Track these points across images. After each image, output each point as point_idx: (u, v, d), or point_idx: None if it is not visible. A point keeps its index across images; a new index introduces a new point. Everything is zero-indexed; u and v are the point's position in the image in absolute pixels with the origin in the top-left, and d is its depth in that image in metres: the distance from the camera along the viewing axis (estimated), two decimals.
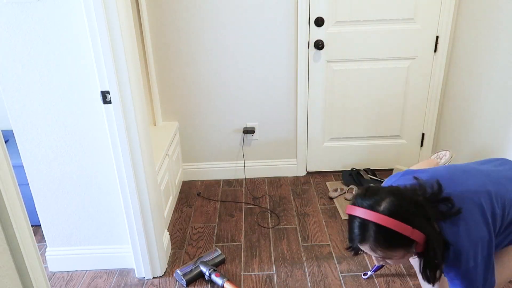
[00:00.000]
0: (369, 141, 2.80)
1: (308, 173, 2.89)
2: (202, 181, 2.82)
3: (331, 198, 2.57)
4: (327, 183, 2.74)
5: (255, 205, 2.52)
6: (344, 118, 2.72)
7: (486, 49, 2.19)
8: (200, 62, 2.53)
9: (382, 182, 2.59)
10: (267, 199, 2.58)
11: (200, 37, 2.47)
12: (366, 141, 2.80)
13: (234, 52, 2.51)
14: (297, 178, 2.84)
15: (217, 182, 2.81)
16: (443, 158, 2.12)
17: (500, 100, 2.09)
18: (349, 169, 2.80)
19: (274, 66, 2.56)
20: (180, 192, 2.70)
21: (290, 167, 2.84)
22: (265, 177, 2.85)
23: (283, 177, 2.86)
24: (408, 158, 2.86)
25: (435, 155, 2.20)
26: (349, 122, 2.73)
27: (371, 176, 2.70)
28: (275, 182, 2.79)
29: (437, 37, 2.50)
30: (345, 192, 2.61)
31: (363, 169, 2.77)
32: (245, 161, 2.81)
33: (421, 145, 2.82)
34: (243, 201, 2.56)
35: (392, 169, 2.85)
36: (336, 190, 2.62)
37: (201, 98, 2.63)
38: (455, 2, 2.41)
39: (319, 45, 2.47)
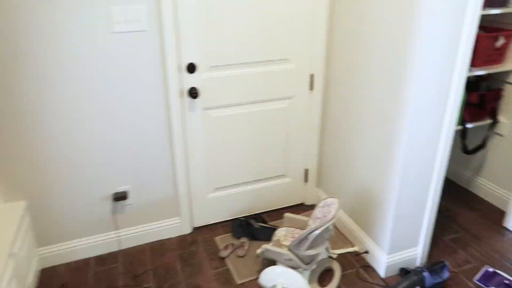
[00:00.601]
0: (256, 184, 2.63)
1: (195, 229, 2.60)
2: (68, 264, 2.32)
3: (223, 258, 2.33)
4: (217, 238, 2.50)
5: (136, 286, 2.14)
6: (228, 165, 2.50)
7: (358, 84, 2.18)
8: (49, 125, 2.04)
9: (275, 230, 2.45)
10: (151, 275, 2.22)
11: (47, 94, 1.98)
12: (252, 185, 2.62)
13: (93, 108, 2.08)
14: (183, 238, 2.53)
15: (86, 262, 2.33)
16: (332, 210, 2.03)
17: (374, 132, 2.09)
18: (238, 218, 2.60)
19: (144, 121, 2.20)
20: None
21: (174, 227, 2.52)
22: (146, 244, 2.48)
23: (167, 239, 2.52)
24: (295, 196, 2.77)
25: (323, 202, 2.12)
26: (233, 169, 2.52)
27: (262, 224, 2.53)
28: (158, 248, 2.44)
29: (312, 75, 2.44)
30: (236, 248, 2.39)
31: (253, 217, 2.60)
32: (119, 230, 2.40)
33: (305, 180, 2.76)
34: (121, 284, 2.16)
35: (281, 209, 2.74)
36: (227, 248, 2.38)
37: (56, 168, 2.13)
38: (326, 42, 2.37)
39: (193, 93, 2.19)
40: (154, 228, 2.48)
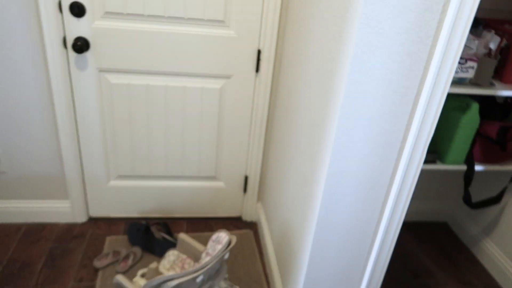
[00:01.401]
0: (174, 182, 2.04)
1: (91, 219, 2.09)
2: None
3: (97, 269, 1.81)
4: (108, 239, 1.97)
5: None
6: (135, 149, 1.92)
7: (298, 86, 1.47)
8: None
9: (175, 244, 1.88)
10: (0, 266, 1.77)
11: None
12: (168, 181, 2.04)
13: None
14: (71, 226, 2.03)
15: None
16: (216, 250, 1.42)
17: (304, 151, 1.40)
18: (139, 220, 2.04)
19: (12, 76, 1.67)
20: None
21: (62, 211, 2.03)
22: (24, 223, 2.02)
23: (53, 223, 2.04)
24: (229, 206, 2.15)
25: (215, 235, 1.50)
26: (141, 155, 1.94)
27: (164, 235, 1.96)
28: (35, 231, 1.97)
29: (259, 51, 1.75)
30: (118, 260, 1.85)
31: (157, 224, 2.03)
32: None
33: (244, 190, 2.12)
34: None
35: (209, 219, 2.14)
36: (107, 256, 1.86)
37: None
38: (280, 9, 1.65)
39: (79, 45, 1.60)
40: (36, 207, 2.00)
